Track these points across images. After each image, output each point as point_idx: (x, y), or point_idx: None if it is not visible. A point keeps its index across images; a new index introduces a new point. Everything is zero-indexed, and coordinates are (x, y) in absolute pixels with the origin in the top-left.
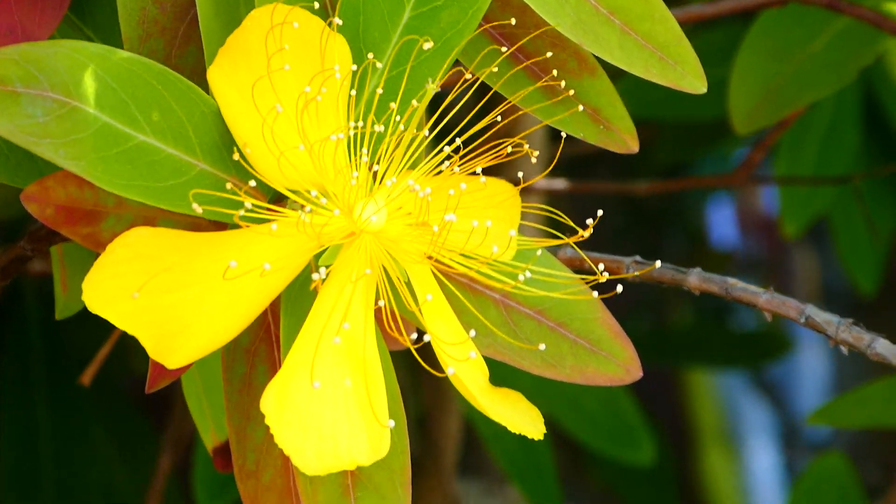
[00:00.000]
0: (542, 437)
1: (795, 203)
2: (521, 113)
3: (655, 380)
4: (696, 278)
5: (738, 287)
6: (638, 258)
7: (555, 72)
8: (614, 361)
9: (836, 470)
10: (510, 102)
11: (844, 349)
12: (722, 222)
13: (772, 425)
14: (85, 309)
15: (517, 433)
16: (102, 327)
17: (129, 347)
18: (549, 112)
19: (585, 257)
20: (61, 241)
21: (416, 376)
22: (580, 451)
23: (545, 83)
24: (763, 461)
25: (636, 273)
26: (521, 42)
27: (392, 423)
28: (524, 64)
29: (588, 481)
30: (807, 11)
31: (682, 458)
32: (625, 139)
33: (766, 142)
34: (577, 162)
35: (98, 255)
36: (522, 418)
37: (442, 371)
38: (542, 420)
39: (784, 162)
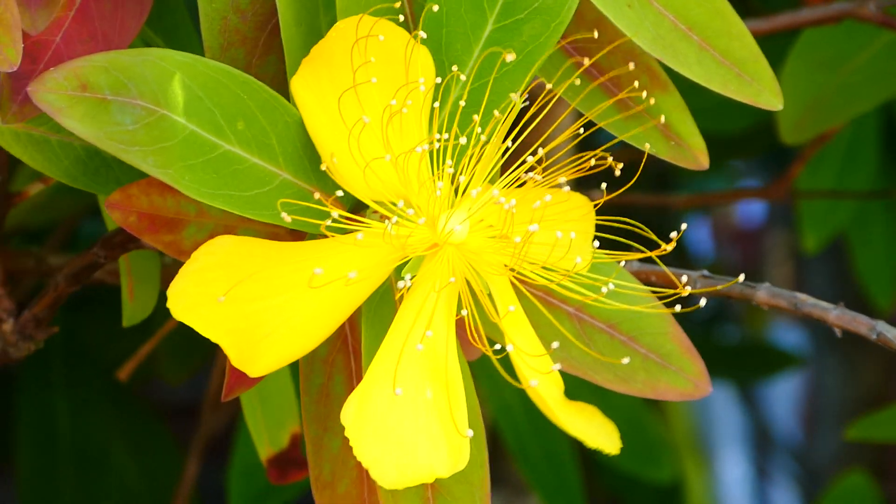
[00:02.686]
0: (617, 452)
1: (816, 218)
2: (595, 128)
3: None
4: (765, 293)
5: (809, 303)
6: (706, 272)
7: (636, 83)
8: (684, 376)
9: (860, 488)
10: (586, 118)
11: None
12: (697, 233)
13: (745, 433)
14: (107, 318)
15: (594, 447)
16: (124, 338)
17: (157, 355)
18: (623, 127)
19: (669, 273)
20: (135, 248)
21: None
22: (587, 460)
23: (624, 96)
24: (735, 471)
25: (712, 290)
26: (598, 56)
27: (471, 432)
28: (600, 80)
29: (594, 490)
30: (856, 24)
31: None
32: (695, 155)
33: (804, 156)
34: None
35: (177, 263)
36: (599, 432)
37: (520, 383)
38: (618, 434)
39: (806, 178)
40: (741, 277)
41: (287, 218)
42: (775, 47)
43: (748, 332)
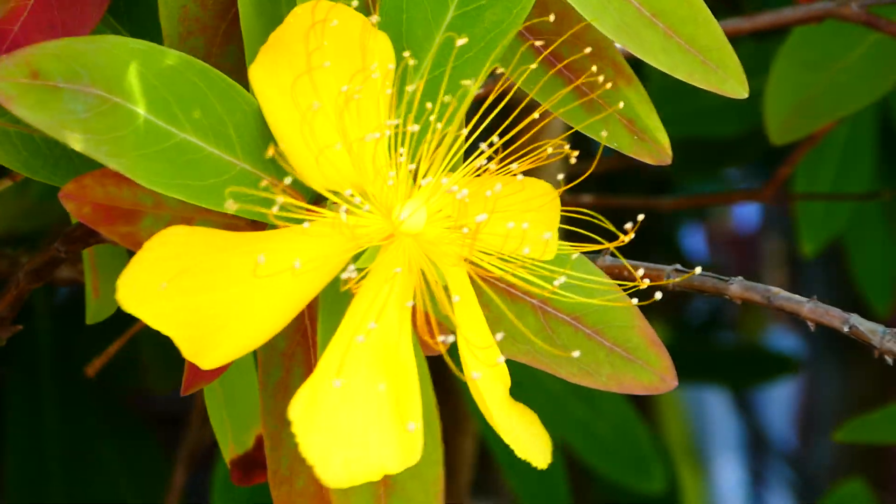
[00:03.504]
0: (545, 467)
1: (813, 223)
2: (551, 118)
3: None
4: (738, 287)
5: (782, 296)
6: (679, 266)
7: (594, 68)
8: (650, 370)
9: (857, 496)
10: (544, 107)
11: (889, 359)
12: (692, 237)
13: (739, 438)
14: (96, 326)
15: (522, 457)
16: (112, 340)
17: (143, 364)
18: (584, 120)
19: (627, 264)
20: (96, 243)
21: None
22: (577, 469)
23: (582, 81)
24: (730, 476)
25: (676, 280)
26: (557, 43)
27: (414, 426)
28: (558, 66)
29: (584, 500)
30: (843, 24)
31: None
32: (659, 150)
33: (794, 158)
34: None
35: (133, 254)
36: (532, 443)
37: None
38: (551, 448)
39: (802, 182)
40: (697, 270)
41: (232, 206)
42: (765, 49)
43: (744, 337)
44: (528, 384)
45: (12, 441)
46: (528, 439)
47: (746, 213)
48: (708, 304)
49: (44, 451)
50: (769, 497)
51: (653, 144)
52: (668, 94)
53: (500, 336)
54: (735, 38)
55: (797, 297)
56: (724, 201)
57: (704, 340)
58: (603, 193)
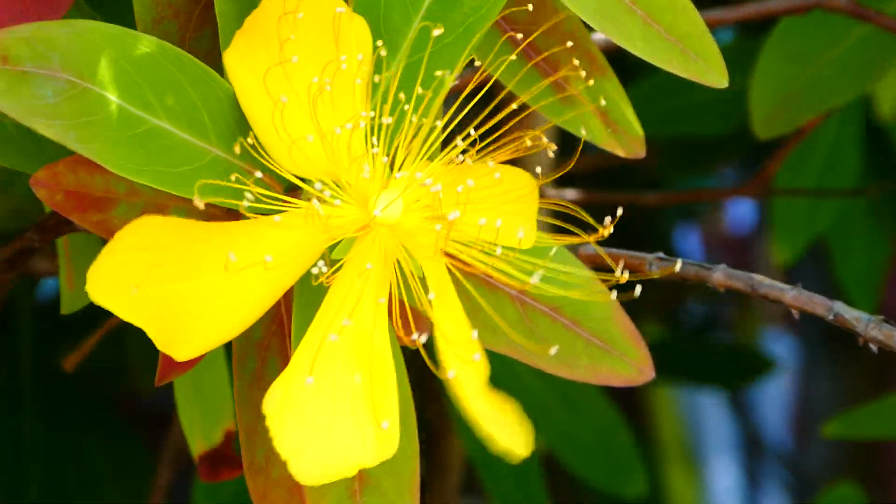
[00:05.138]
0: (528, 454)
1: (790, 227)
2: (529, 111)
3: (614, 392)
4: (721, 275)
5: (765, 284)
6: (661, 254)
7: (576, 61)
8: (628, 362)
9: (849, 499)
10: (522, 99)
11: (874, 347)
12: (686, 239)
13: (734, 439)
14: (79, 319)
15: (501, 448)
16: (96, 345)
17: (129, 364)
18: (559, 111)
19: (605, 255)
20: (69, 231)
21: (422, 394)
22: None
23: (561, 76)
24: (725, 477)
25: (658, 270)
26: (535, 35)
27: (387, 424)
28: (535, 60)
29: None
30: (828, 17)
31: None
32: (632, 143)
33: (781, 153)
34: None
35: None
36: (511, 433)
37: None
38: (531, 438)
39: (786, 180)
40: (679, 262)
41: (200, 204)
42: (751, 45)
43: (739, 339)
44: (513, 391)
45: None
46: (505, 432)
47: (740, 215)
48: (703, 306)
49: (23, 451)
50: (764, 498)
51: (626, 136)
52: (656, 92)
53: (475, 333)
54: (721, 34)
55: (780, 284)
56: (710, 197)
57: (696, 341)
58: (591, 190)
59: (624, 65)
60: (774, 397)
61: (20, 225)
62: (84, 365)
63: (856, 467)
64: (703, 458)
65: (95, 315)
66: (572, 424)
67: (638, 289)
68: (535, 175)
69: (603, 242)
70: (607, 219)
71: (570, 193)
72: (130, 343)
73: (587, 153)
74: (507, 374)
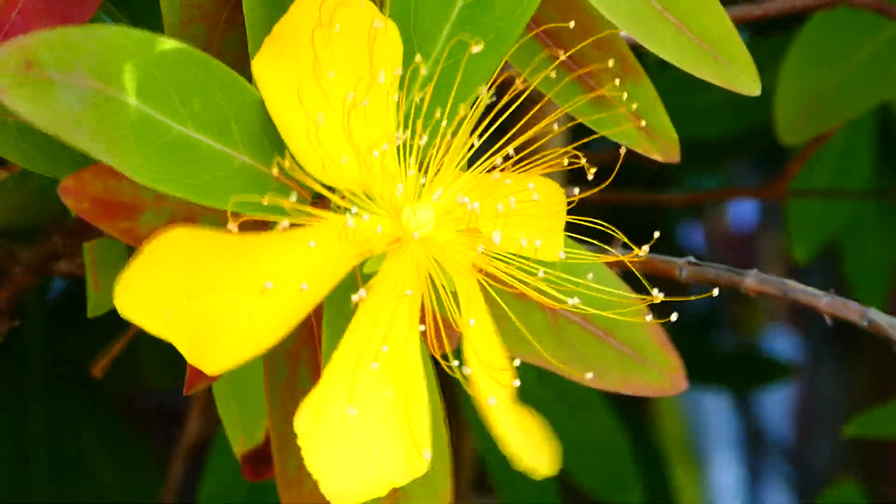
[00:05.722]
0: (552, 474)
1: (806, 226)
2: (558, 113)
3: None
4: (753, 280)
5: (798, 289)
6: (692, 258)
7: (610, 61)
8: (659, 372)
9: (852, 498)
10: (562, 111)
11: None
12: (690, 235)
13: (737, 435)
14: (88, 322)
15: (527, 467)
16: (106, 340)
17: (141, 360)
18: (596, 118)
19: (644, 281)
20: (95, 237)
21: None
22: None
23: (603, 92)
24: (728, 474)
25: (687, 274)
26: (579, 47)
27: (427, 454)
28: (578, 73)
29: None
30: (855, 19)
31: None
32: (668, 147)
33: (804, 154)
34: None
35: (133, 250)
36: (537, 452)
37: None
38: (558, 455)
39: (800, 180)
40: (701, 264)
41: (233, 227)
42: (771, 46)
43: (742, 337)
44: (520, 394)
45: None
46: (531, 449)
47: (743, 212)
48: (705, 302)
49: (30, 449)
50: (767, 494)
51: (662, 141)
52: (667, 92)
53: (517, 362)
54: (749, 28)
55: (813, 290)
56: (730, 197)
57: (703, 342)
58: (604, 189)
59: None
60: (777, 393)
61: (33, 220)
62: (95, 362)
63: (861, 464)
64: (707, 454)
65: (108, 315)
66: (575, 433)
67: (674, 316)
68: (570, 191)
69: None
70: (645, 247)
71: (576, 191)
72: (142, 340)
73: (595, 150)
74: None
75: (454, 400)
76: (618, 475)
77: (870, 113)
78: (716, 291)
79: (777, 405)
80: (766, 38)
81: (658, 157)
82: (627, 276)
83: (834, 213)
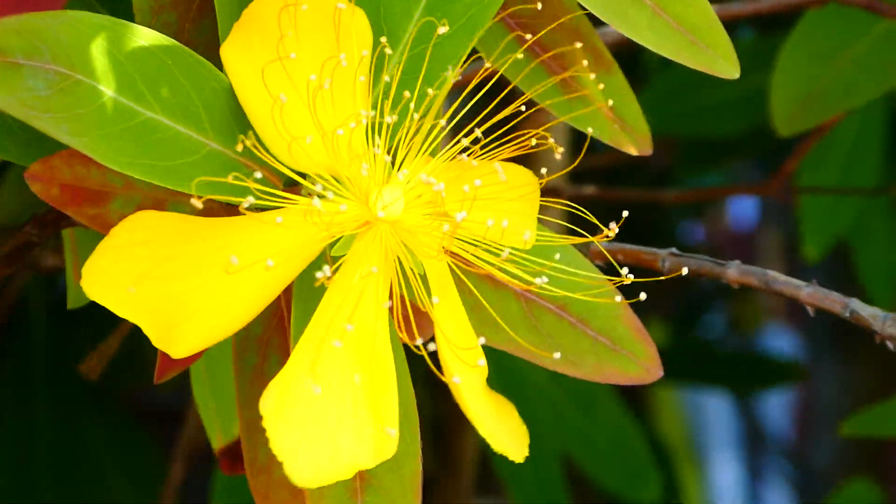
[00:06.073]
0: (522, 461)
1: (817, 223)
2: (535, 108)
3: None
4: (735, 271)
5: (780, 280)
6: (674, 250)
7: (585, 62)
8: (635, 361)
9: (863, 495)
10: (527, 96)
11: (891, 344)
12: (690, 233)
13: (737, 434)
14: (93, 316)
15: (498, 451)
16: (107, 336)
17: (142, 359)
18: (566, 108)
19: (612, 260)
20: (68, 225)
21: (433, 392)
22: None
23: (568, 75)
24: (728, 473)
25: (670, 265)
26: (542, 33)
27: (386, 425)
28: (542, 57)
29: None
30: (850, 14)
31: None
32: (639, 140)
33: (801, 151)
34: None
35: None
36: (508, 437)
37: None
38: (528, 441)
39: (807, 179)
40: (683, 255)
41: (198, 204)
42: (767, 43)
43: (740, 336)
44: (527, 391)
45: (2, 437)
46: (503, 435)
47: (743, 210)
48: (705, 300)
49: (35, 448)
50: (767, 493)
51: (633, 134)
52: (672, 91)
53: (482, 340)
54: (740, 32)
55: (795, 280)
56: (728, 194)
57: (705, 344)
58: (605, 186)
59: (635, 64)
60: (778, 392)
61: (14, 215)
62: (98, 361)
63: (861, 463)
64: (707, 453)
65: (111, 315)
66: (586, 427)
67: (643, 295)
68: (540, 174)
69: (611, 239)
70: (612, 223)
71: (589, 190)
72: (144, 339)
73: (599, 150)
74: (519, 377)
75: (456, 404)
76: (634, 471)
77: (878, 110)
78: (685, 271)
79: (777, 404)
80: (767, 35)
81: (631, 151)
82: (610, 268)
83: (844, 209)
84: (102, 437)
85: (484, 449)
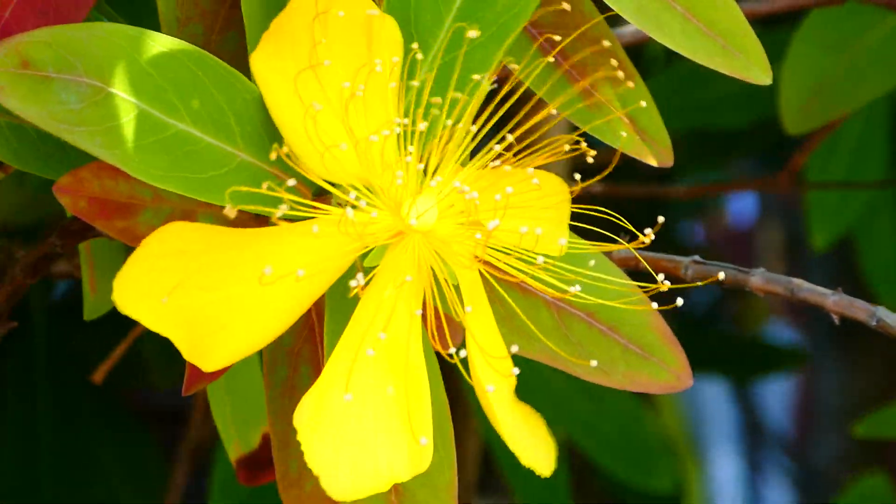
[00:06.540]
0: (549, 474)
1: (825, 215)
2: (559, 119)
3: None
4: (759, 279)
5: (805, 288)
6: (697, 258)
7: (607, 72)
8: (666, 368)
9: (877, 490)
10: (552, 106)
11: None
12: (689, 230)
13: (737, 428)
14: (94, 324)
15: (526, 465)
16: (111, 340)
17: (144, 360)
18: (587, 119)
19: (647, 266)
20: (93, 237)
21: None
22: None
23: (585, 86)
24: (728, 467)
25: (693, 274)
26: (567, 41)
27: (426, 440)
28: (565, 66)
29: (589, 495)
30: (861, 7)
31: None
32: (661, 151)
33: (810, 145)
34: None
35: (132, 250)
36: (536, 450)
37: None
38: (555, 455)
39: (814, 173)
40: (721, 275)
41: (231, 213)
42: (777, 37)
43: (744, 330)
44: (533, 382)
45: (4, 439)
46: (531, 448)
47: (742, 207)
48: (709, 297)
49: (37, 450)
50: (767, 488)
51: (655, 145)
52: (675, 84)
53: (515, 348)
54: (755, 24)
55: (821, 289)
56: (737, 189)
57: (707, 333)
58: (607, 182)
59: (640, 57)
60: (777, 386)
61: (31, 219)
62: (100, 362)
63: (862, 459)
64: (706, 448)
65: (112, 314)
66: (596, 418)
67: (679, 301)
68: (569, 181)
69: (606, 237)
70: (647, 230)
71: (595, 188)
72: (146, 339)
73: (599, 145)
74: (528, 369)
75: (461, 402)
76: (644, 460)
77: (884, 104)
78: (722, 275)
79: (777, 398)
80: (774, 30)
81: (652, 161)
82: (635, 274)
83: (851, 202)
84: (104, 437)
85: (486, 449)
